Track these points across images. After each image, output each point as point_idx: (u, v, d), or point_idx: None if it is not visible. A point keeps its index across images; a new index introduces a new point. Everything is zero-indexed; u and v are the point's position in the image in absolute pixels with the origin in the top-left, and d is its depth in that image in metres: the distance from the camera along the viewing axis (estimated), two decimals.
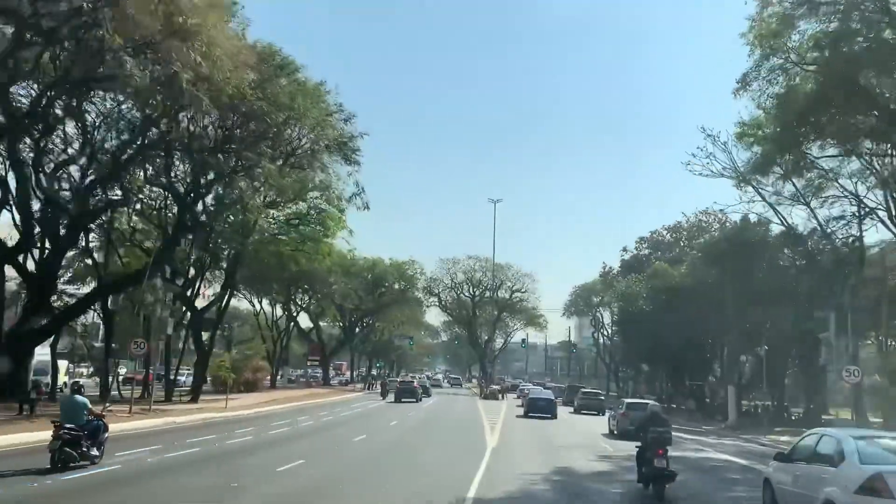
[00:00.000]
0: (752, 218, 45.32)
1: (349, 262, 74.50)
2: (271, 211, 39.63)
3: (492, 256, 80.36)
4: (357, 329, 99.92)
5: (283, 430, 26.38)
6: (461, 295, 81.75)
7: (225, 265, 41.51)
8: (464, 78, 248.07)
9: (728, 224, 65.19)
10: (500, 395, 62.63)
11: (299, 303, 74.78)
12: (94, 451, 14.66)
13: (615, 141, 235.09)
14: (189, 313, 41.41)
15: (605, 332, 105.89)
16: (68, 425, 14.03)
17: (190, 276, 40.97)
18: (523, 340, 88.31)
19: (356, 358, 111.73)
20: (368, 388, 75.24)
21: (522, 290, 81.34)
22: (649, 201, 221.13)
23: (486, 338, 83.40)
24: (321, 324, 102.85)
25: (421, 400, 52.92)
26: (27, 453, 15.99)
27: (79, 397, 14.88)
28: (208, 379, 45.11)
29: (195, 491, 12.98)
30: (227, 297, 41.96)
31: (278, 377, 71.93)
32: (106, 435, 15.32)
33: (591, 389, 57.29)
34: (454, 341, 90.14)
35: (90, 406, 15.12)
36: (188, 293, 40.82)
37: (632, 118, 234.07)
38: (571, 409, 48.86)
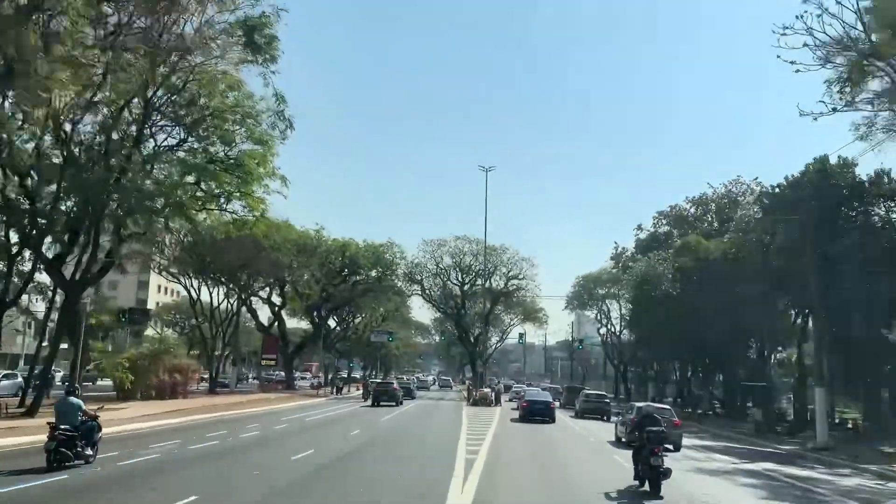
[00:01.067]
0: (834, 160, 33.53)
1: (313, 243, 62.94)
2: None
3: (483, 236, 68.07)
4: (334, 325, 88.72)
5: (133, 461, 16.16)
6: (448, 282, 69.94)
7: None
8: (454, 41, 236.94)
9: (763, 191, 53.99)
10: (493, 401, 50.97)
11: (258, 292, 63.17)
12: (89, 451, 15.13)
13: (621, 109, 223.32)
14: (64, 293, 29.97)
15: (613, 328, 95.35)
16: (63, 426, 14.58)
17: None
18: (521, 336, 76.61)
19: (334, 358, 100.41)
20: (337, 392, 63.52)
21: (519, 277, 69.60)
22: (663, 177, 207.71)
23: (478, 332, 71.37)
24: (286, 316, 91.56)
25: (401, 403, 47.84)
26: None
27: (73, 399, 15.40)
28: (97, 382, 33.53)
29: None
30: (98, 269, 30.08)
31: (227, 379, 60.38)
32: (100, 435, 15.79)
33: (595, 391, 50.69)
34: (441, 337, 78.06)
35: (84, 407, 15.49)
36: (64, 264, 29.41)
37: (646, 76, 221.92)
38: (572, 414, 44.42)
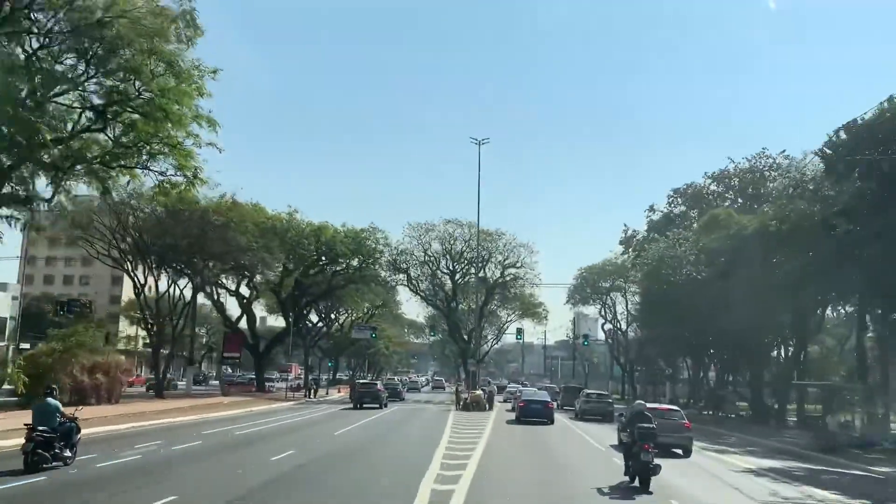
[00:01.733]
0: None
1: (283, 226, 55.49)
2: None
3: (476, 219, 60.17)
4: (317, 321, 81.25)
5: None
6: (437, 272, 62.35)
7: None
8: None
9: (795, 165, 46.76)
10: (486, 404, 43.57)
11: (219, 280, 55.67)
12: (67, 453, 14.95)
13: (627, 85, 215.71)
14: None
15: (618, 324, 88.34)
16: (41, 428, 14.35)
17: None
18: (519, 331, 68.92)
19: (317, 358, 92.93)
20: (311, 395, 56.00)
21: (517, 265, 62.04)
22: (675, 157, 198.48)
23: (471, 328, 63.76)
24: (264, 312, 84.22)
25: (386, 405, 44.71)
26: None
27: (51, 400, 15.13)
28: None
29: None
30: None
31: (179, 381, 52.93)
32: (79, 436, 15.64)
33: (596, 391, 47.67)
34: (431, 333, 70.26)
35: (62, 409, 15.32)
36: None
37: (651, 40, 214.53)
38: (572, 415, 41.99)
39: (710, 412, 51.17)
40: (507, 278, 63.02)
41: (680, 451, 22.23)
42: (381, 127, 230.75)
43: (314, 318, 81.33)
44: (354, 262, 61.48)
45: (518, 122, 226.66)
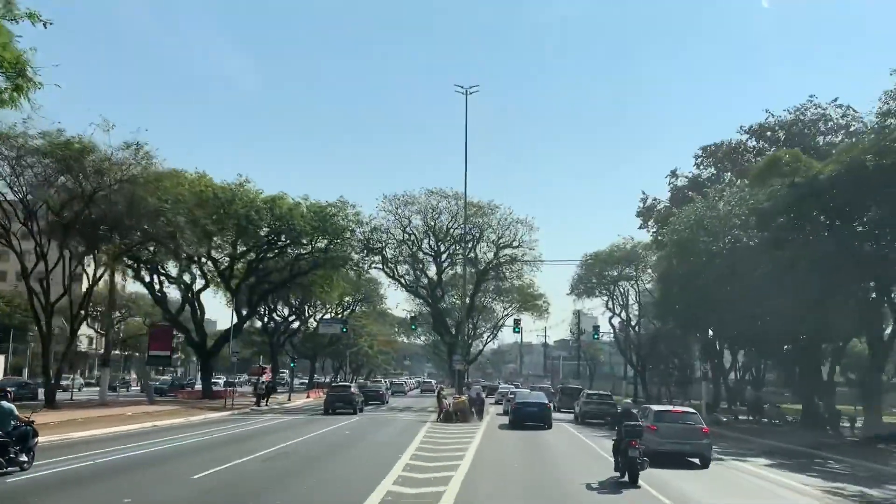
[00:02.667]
0: None
1: (227, 195, 45.56)
2: None
3: (463, 188, 49.52)
4: (288, 315, 71.42)
5: None
6: (419, 253, 52.35)
7: None
8: None
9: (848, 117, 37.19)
10: (474, 412, 33.82)
11: (137, 258, 45.65)
12: (23, 457, 14.65)
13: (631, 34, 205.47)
14: None
15: (630, 317, 79.08)
16: None
17: None
18: (516, 323, 58.64)
19: (290, 357, 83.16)
20: (263, 402, 45.97)
21: (514, 245, 52.00)
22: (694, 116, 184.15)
23: (460, 315, 53.73)
24: (226, 306, 74.05)
25: (362, 410, 41.20)
26: None
27: (5, 403, 14.75)
28: None
29: None
30: None
31: (75, 387, 43.14)
32: (36, 440, 15.38)
33: (598, 391, 44.28)
34: (412, 326, 59.86)
35: (17, 412, 15.00)
36: None
37: None
38: (571, 418, 39.19)
39: (751, 416, 41.49)
40: (502, 260, 53.13)
41: (696, 461, 19.71)
42: (352, 90, 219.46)
43: (286, 312, 72.02)
44: (322, 244, 51.49)
45: (514, 79, 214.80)
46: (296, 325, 74.69)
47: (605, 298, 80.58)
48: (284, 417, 36.19)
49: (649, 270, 71.74)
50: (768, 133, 43.50)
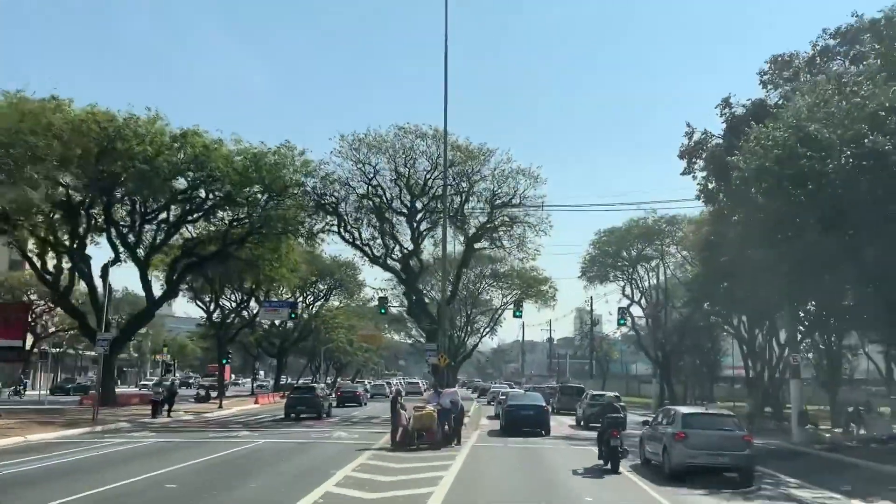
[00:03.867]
0: None
1: (113, 129, 32.95)
2: None
3: (442, 122, 35.66)
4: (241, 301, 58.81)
5: None
6: (387, 212, 39.33)
7: None
8: None
9: None
10: (446, 431, 21.11)
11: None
12: None
13: None
14: None
15: (657, 298, 67.19)
16: None
17: None
18: (517, 306, 44.76)
19: (253, 355, 70.92)
20: (163, 412, 33.38)
21: (513, 202, 38.96)
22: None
23: (447, 295, 40.85)
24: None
25: (329, 415, 36.41)
26: None
27: None
28: None
29: None
30: None
31: None
32: None
33: (602, 391, 38.54)
34: (381, 311, 46.42)
35: None
36: None
37: None
38: (573, 422, 34.62)
39: (848, 428, 28.99)
40: (497, 222, 40.38)
41: (735, 475, 16.00)
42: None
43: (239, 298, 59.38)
44: (260, 197, 38.90)
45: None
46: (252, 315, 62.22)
47: (622, 284, 68.57)
48: (167, 438, 23.93)
49: (674, 250, 60.02)
50: (865, 34, 30.82)
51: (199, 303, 55.03)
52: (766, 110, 33.51)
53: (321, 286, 70.79)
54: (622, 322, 45.99)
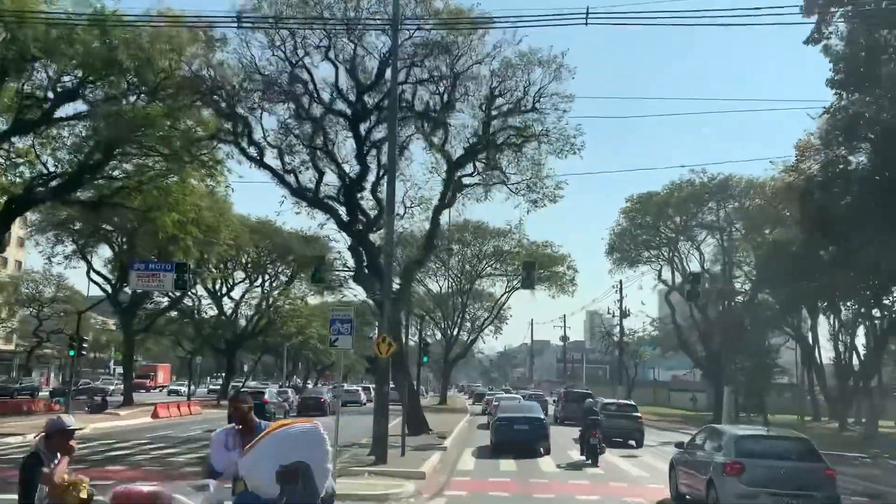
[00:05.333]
0: None
1: None
2: None
3: None
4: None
5: None
6: (314, 107, 23.82)
7: None
8: None
9: None
10: None
11: None
12: None
13: None
14: None
15: (698, 289, 52.98)
16: None
17: None
18: (527, 268, 28.91)
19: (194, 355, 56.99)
20: None
21: (524, 107, 24.04)
22: None
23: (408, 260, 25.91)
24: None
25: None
26: None
27: None
28: None
29: None
30: None
31: None
32: None
33: (616, 400, 31.72)
34: (315, 277, 31.87)
35: None
36: None
37: None
38: (577, 436, 26.83)
39: None
40: (499, 137, 25.50)
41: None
42: None
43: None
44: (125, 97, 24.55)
45: None
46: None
47: (660, 266, 54.11)
48: None
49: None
50: None
51: (91, 277, 40.75)
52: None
53: (285, 269, 56.92)
54: (695, 289, 30.95)
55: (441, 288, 58.93)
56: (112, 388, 53.94)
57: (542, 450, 22.19)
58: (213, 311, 56.32)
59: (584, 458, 20.08)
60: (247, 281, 57.22)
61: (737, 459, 12.08)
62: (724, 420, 34.92)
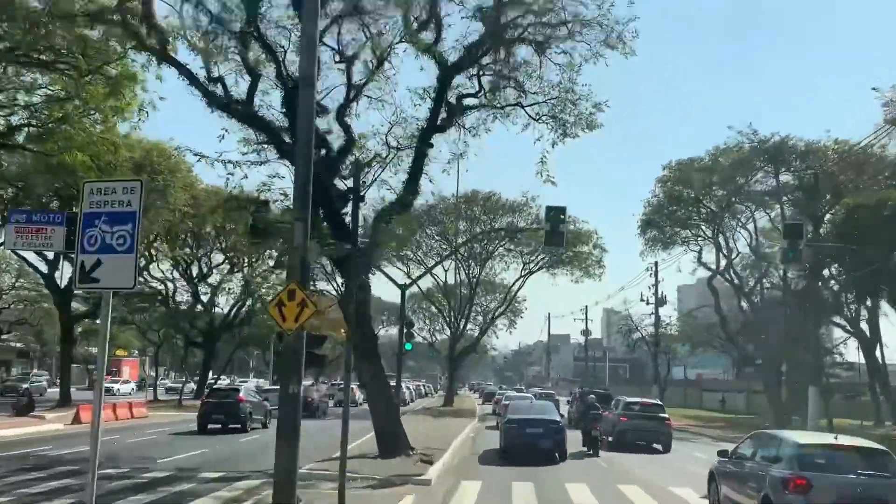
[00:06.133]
0: None
1: None
2: None
3: None
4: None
5: None
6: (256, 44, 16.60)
7: None
8: None
9: None
10: None
11: None
12: None
13: None
14: None
15: (750, 273, 46.82)
16: None
17: None
18: (550, 231, 20.99)
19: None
20: None
21: (548, 43, 16.83)
22: None
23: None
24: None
25: (265, 425, 29.96)
26: None
27: None
28: None
29: None
30: None
31: None
32: None
33: (639, 399, 28.29)
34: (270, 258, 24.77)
35: None
36: None
37: None
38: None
39: None
40: (505, 24, 18.07)
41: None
42: None
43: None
44: None
45: None
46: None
47: (701, 245, 46.56)
48: None
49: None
50: None
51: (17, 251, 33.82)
52: None
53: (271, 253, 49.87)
54: (791, 253, 23.44)
55: (446, 271, 51.63)
56: (48, 387, 47.98)
57: (557, 455, 20.52)
58: (185, 298, 49.53)
59: (585, 448, 22.18)
60: (227, 264, 50.39)
61: (801, 473, 10.75)
62: (809, 427, 28.54)
